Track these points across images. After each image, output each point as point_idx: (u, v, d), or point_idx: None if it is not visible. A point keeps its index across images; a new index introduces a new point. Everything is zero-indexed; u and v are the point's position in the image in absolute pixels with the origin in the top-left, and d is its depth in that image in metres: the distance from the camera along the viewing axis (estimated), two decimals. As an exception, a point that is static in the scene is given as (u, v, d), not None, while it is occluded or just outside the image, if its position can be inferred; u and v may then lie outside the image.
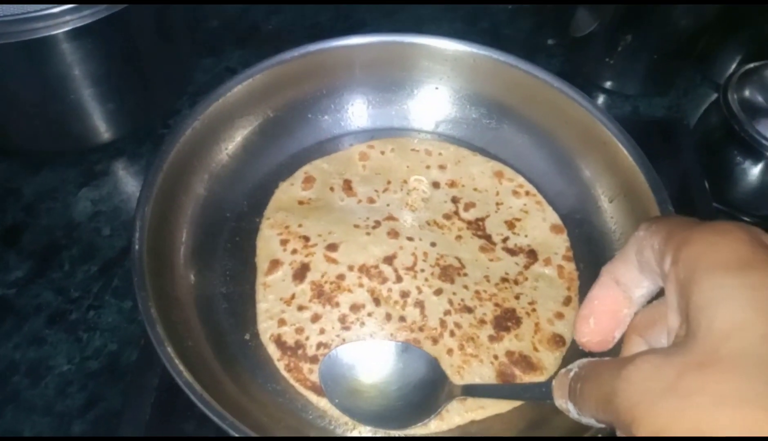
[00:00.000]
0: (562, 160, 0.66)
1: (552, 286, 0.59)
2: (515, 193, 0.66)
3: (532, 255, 0.61)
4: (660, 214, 0.54)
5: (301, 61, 0.64)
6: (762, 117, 0.67)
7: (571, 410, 0.32)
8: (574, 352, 0.54)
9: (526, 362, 0.54)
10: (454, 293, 0.58)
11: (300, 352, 0.54)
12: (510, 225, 0.64)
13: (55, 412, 0.56)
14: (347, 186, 0.66)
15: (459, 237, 0.62)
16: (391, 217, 0.63)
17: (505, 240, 0.62)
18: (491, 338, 0.55)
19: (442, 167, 0.68)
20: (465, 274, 0.59)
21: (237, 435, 0.40)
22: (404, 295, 0.57)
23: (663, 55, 0.78)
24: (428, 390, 0.50)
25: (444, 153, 0.69)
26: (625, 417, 0.26)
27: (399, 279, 0.58)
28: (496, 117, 0.69)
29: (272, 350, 0.54)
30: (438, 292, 0.58)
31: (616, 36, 0.78)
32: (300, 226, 0.62)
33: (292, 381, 0.52)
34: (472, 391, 0.50)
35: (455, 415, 0.51)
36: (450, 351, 0.54)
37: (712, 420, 0.23)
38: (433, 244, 0.61)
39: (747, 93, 0.69)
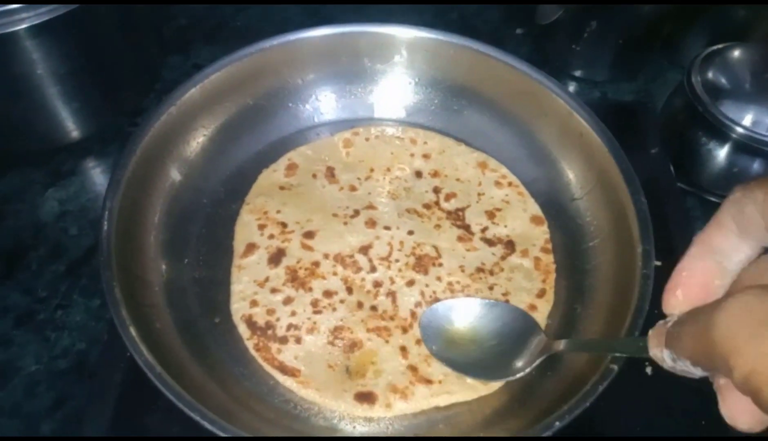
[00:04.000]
0: (538, 151, 0.66)
1: (528, 278, 0.59)
2: (498, 183, 0.66)
3: (509, 246, 0.62)
4: (633, 205, 0.54)
5: (270, 53, 0.65)
6: (725, 98, 0.68)
7: (667, 358, 0.31)
8: None
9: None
10: (427, 285, 0.58)
11: (270, 332, 0.54)
12: (490, 215, 0.64)
13: (23, 413, 0.55)
14: (330, 173, 0.66)
15: (438, 226, 0.62)
16: (371, 206, 0.63)
17: (483, 230, 0.63)
18: None
19: (426, 156, 0.68)
20: (440, 264, 0.59)
21: (197, 417, 0.40)
22: (377, 285, 0.58)
23: (629, 41, 0.79)
24: (521, 340, 0.51)
25: (429, 142, 0.69)
26: (723, 349, 0.26)
27: (373, 269, 0.59)
28: (469, 105, 0.69)
29: (242, 330, 0.54)
30: (410, 283, 0.58)
31: (582, 23, 0.79)
32: (278, 212, 0.62)
33: (260, 360, 0.53)
34: (571, 345, 0.49)
35: (421, 399, 0.51)
36: (419, 341, 0.54)
37: None
38: (410, 232, 0.61)
39: (710, 75, 0.69)
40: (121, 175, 0.53)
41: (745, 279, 0.32)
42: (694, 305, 0.32)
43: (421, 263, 0.59)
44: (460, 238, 0.62)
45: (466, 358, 0.51)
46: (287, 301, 0.56)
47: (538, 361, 0.49)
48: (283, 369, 0.52)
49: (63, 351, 0.59)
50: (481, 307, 0.54)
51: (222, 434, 0.39)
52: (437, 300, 0.57)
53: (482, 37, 0.67)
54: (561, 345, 0.48)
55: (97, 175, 0.72)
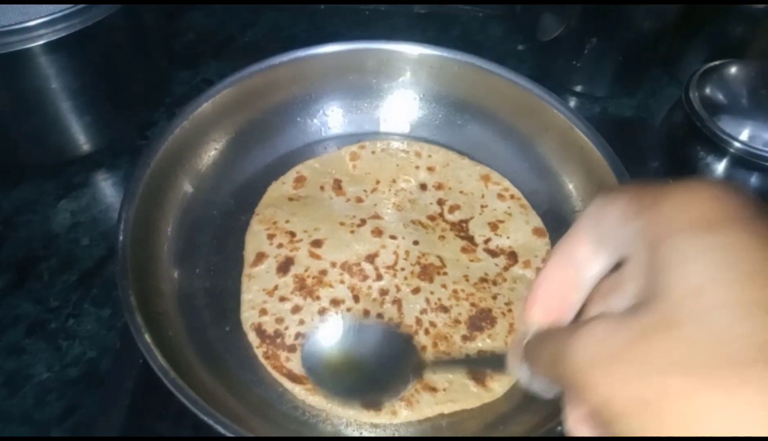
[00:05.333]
0: (539, 164, 0.68)
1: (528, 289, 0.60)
2: (500, 196, 0.68)
3: (512, 257, 0.63)
4: None
5: (279, 69, 0.67)
6: (723, 114, 0.69)
7: (523, 374, 0.31)
8: None
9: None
10: (432, 292, 0.59)
11: (278, 340, 0.55)
12: (493, 227, 0.65)
13: (33, 421, 0.56)
14: (337, 185, 0.67)
15: (442, 237, 0.64)
16: (376, 216, 0.65)
17: (486, 241, 0.64)
18: (464, 338, 0.56)
19: (430, 169, 0.70)
20: (445, 273, 0.61)
21: (210, 421, 0.41)
22: (383, 293, 0.59)
23: (629, 57, 0.81)
24: (400, 362, 0.52)
25: (433, 156, 0.71)
26: (576, 381, 0.25)
27: (379, 277, 0.60)
28: (471, 119, 0.71)
29: (252, 338, 0.56)
30: (416, 290, 0.59)
31: (582, 39, 0.80)
32: (287, 221, 0.63)
33: (269, 368, 0.54)
34: (438, 366, 0.51)
35: (425, 407, 0.52)
36: (423, 348, 0.55)
37: (655, 389, 0.23)
38: (415, 243, 0.63)
39: (708, 91, 0.71)
40: (135, 187, 0.54)
41: (594, 296, 0.31)
42: (552, 319, 0.31)
43: (426, 272, 0.60)
44: (463, 249, 0.63)
45: (345, 381, 0.50)
46: (295, 309, 0.57)
47: (412, 384, 0.51)
48: (292, 377, 0.53)
49: (74, 359, 0.60)
50: (357, 330, 0.53)
51: (234, 437, 0.40)
52: (443, 307, 0.58)
53: (484, 53, 0.69)
54: (429, 365, 0.51)
55: (108, 187, 0.74)
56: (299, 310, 0.57)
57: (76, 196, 0.72)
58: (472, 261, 0.62)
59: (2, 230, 0.69)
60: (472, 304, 0.58)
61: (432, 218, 0.65)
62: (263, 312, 0.57)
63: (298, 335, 0.56)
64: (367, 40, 0.69)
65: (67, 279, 0.65)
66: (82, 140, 0.72)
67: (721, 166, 0.69)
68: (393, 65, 0.70)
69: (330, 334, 0.52)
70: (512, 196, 0.68)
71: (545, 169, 0.67)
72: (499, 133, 0.70)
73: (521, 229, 0.65)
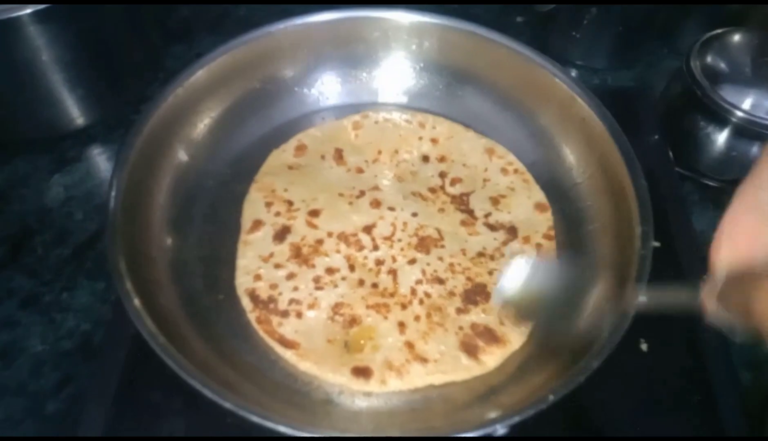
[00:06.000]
0: (540, 135, 0.67)
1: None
2: (503, 170, 0.67)
3: (512, 232, 0.62)
4: (633, 187, 0.55)
5: (275, 37, 0.66)
6: (725, 83, 0.68)
7: (721, 320, 0.32)
8: (542, 327, 0.55)
9: (490, 335, 0.55)
10: (428, 263, 0.59)
11: (272, 305, 0.55)
12: (494, 201, 0.64)
13: (28, 392, 0.56)
14: (338, 155, 0.67)
15: (441, 210, 0.63)
16: (376, 187, 0.64)
17: (487, 215, 0.63)
18: (458, 310, 0.56)
19: (434, 141, 0.69)
20: (442, 246, 0.60)
21: (199, 385, 0.40)
22: (379, 263, 0.58)
23: (628, 28, 0.79)
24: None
25: (438, 127, 0.70)
26: (762, 322, 0.28)
27: (375, 247, 0.59)
28: (472, 90, 0.70)
29: (245, 303, 0.55)
30: (412, 261, 0.59)
31: (581, 10, 0.79)
32: (285, 190, 0.63)
33: (261, 333, 0.54)
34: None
35: (415, 377, 0.52)
36: (417, 317, 0.55)
37: None
38: (414, 214, 0.62)
39: (709, 60, 0.70)
40: (128, 153, 0.54)
41: None
42: (742, 260, 0.32)
43: (424, 244, 0.60)
44: (463, 223, 0.62)
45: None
46: (290, 276, 0.57)
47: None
48: (283, 342, 0.53)
49: (68, 332, 0.60)
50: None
51: (224, 404, 0.40)
52: (438, 279, 0.57)
53: (483, 25, 0.68)
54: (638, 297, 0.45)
55: (102, 162, 0.73)
56: (294, 277, 0.57)
57: (69, 170, 0.71)
58: (470, 235, 0.61)
59: (-4, 205, 0.68)
60: (468, 278, 0.58)
61: (432, 190, 0.64)
62: (258, 278, 0.57)
63: (291, 301, 0.55)
64: (365, 8, 0.68)
65: (61, 253, 0.65)
66: (76, 114, 0.72)
67: (722, 136, 0.68)
68: (391, 34, 0.68)
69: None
70: (516, 171, 0.67)
71: (546, 141, 0.66)
72: (500, 104, 0.69)
73: (523, 204, 0.64)
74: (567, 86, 0.62)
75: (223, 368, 0.49)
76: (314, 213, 0.61)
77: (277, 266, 0.58)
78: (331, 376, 0.51)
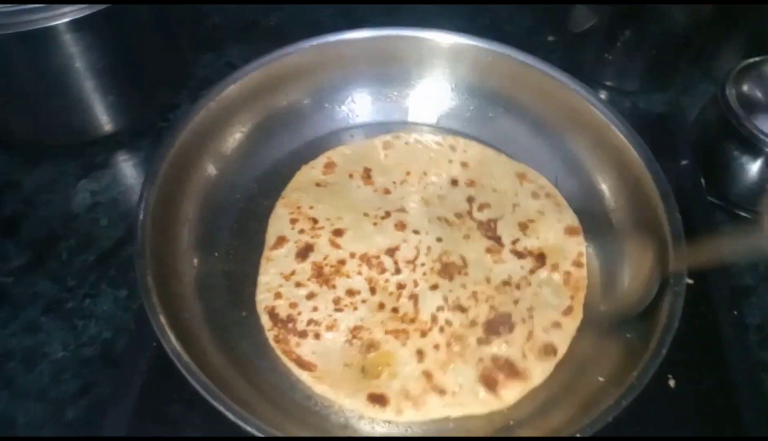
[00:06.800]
0: (571, 161, 0.66)
1: (556, 293, 0.58)
2: (534, 194, 0.65)
3: (540, 259, 0.60)
4: (667, 222, 0.54)
5: (308, 54, 0.66)
6: (760, 112, 0.67)
7: None
8: (566, 363, 0.54)
9: (511, 369, 0.53)
10: (451, 290, 0.58)
11: (290, 325, 0.55)
12: (523, 226, 0.63)
13: (48, 398, 0.56)
14: (366, 174, 0.66)
15: (467, 236, 0.62)
16: (402, 209, 0.63)
17: (514, 242, 0.62)
18: (479, 341, 0.55)
19: (464, 164, 0.68)
20: (466, 273, 0.59)
21: (220, 406, 0.40)
22: (400, 287, 0.58)
23: (662, 51, 0.78)
24: None
25: (469, 151, 0.69)
26: None
27: (398, 271, 0.59)
28: (503, 112, 0.69)
29: (265, 320, 0.55)
30: (434, 287, 0.58)
31: (615, 32, 0.78)
32: (311, 208, 0.63)
33: (278, 352, 0.53)
34: None
35: (432, 409, 0.51)
36: (437, 346, 0.54)
37: None
38: (439, 240, 0.61)
39: (745, 88, 0.68)
40: (158, 166, 0.54)
41: None
42: None
43: (447, 270, 0.59)
44: (488, 250, 0.61)
45: None
46: (310, 296, 0.57)
47: None
48: (300, 362, 0.53)
49: (89, 339, 0.60)
50: None
51: (242, 425, 0.40)
52: (460, 306, 0.56)
53: (513, 43, 0.67)
54: None
55: (128, 168, 0.73)
56: (314, 296, 0.57)
57: (96, 176, 0.72)
58: (496, 262, 0.60)
59: (23, 209, 0.69)
60: (492, 307, 0.57)
61: (459, 216, 0.64)
62: (278, 296, 0.57)
63: (310, 322, 0.55)
64: (400, 27, 0.68)
65: (86, 259, 0.65)
66: (104, 121, 0.72)
67: (756, 167, 0.67)
68: (426, 54, 0.68)
69: None
70: (547, 195, 0.65)
71: (577, 167, 0.65)
72: (531, 128, 0.68)
73: (553, 228, 0.63)
74: (601, 113, 0.61)
75: (242, 385, 0.49)
76: (338, 232, 0.61)
77: (298, 285, 0.57)
78: (347, 401, 0.51)
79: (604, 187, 0.63)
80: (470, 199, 0.65)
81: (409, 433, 0.50)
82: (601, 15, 0.77)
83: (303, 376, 0.52)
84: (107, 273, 0.64)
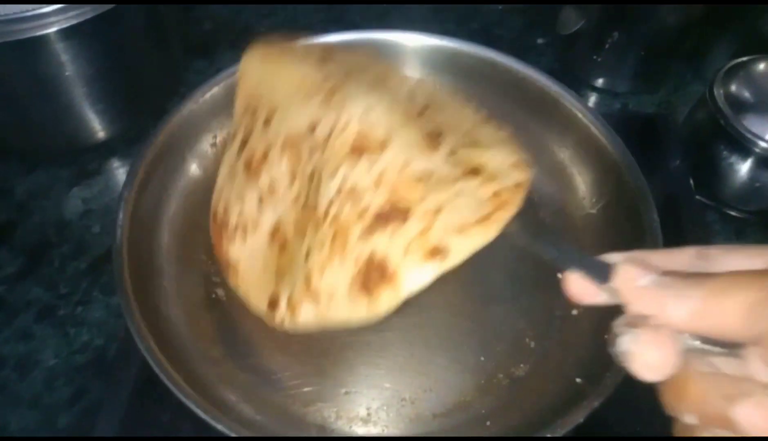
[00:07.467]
0: (552, 163, 0.65)
1: (476, 205, 0.40)
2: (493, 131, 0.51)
3: (474, 172, 0.43)
4: (646, 224, 0.52)
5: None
6: (749, 112, 0.67)
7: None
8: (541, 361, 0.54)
9: (383, 271, 0.39)
10: (354, 171, 0.43)
11: (223, 230, 0.52)
12: (471, 143, 0.46)
13: (41, 405, 0.57)
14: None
15: (404, 124, 0.44)
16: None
17: (454, 149, 0.44)
18: (362, 234, 0.41)
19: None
20: (380, 152, 0.43)
21: (208, 418, 0.41)
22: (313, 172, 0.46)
23: (651, 52, 0.78)
24: None
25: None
26: None
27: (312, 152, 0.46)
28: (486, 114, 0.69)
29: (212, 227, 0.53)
30: (335, 170, 0.44)
31: (604, 33, 0.78)
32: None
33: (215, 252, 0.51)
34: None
35: (305, 318, 0.43)
36: (322, 242, 0.42)
37: None
38: (368, 111, 0.45)
39: (734, 88, 0.69)
40: (138, 165, 0.54)
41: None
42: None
43: (359, 148, 0.43)
44: (422, 140, 0.44)
45: None
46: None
47: None
48: (228, 263, 0.50)
49: (82, 346, 0.60)
50: None
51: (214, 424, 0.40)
52: (355, 191, 0.42)
53: (504, 46, 0.67)
54: None
55: (121, 175, 0.74)
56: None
57: (89, 183, 0.72)
58: (422, 154, 0.43)
59: (16, 216, 0.69)
60: (391, 199, 0.41)
61: (406, 113, 0.46)
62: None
63: (238, 225, 0.50)
64: (378, 30, 0.68)
65: (78, 266, 0.66)
66: (97, 128, 0.73)
67: (745, 166, 0.67)
68: (405, 56, 0.68)
69: None
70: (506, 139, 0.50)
71: (557, 170, 0.65)
72: (512, 129, 0.68)
73: (502, 158, 0.45)
74: (582, 115, 0.61)
75: (221, 388, 0.49)
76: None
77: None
78: (259, 308, 0.47)
79: (584, 190, 0.63)
80: (424, 108, 0.49)
81: (386, 433, 0.50)
82: (589, 16, 0.78)
83: (230, 281, 0.50)
84: (99, 280, 0.65)
